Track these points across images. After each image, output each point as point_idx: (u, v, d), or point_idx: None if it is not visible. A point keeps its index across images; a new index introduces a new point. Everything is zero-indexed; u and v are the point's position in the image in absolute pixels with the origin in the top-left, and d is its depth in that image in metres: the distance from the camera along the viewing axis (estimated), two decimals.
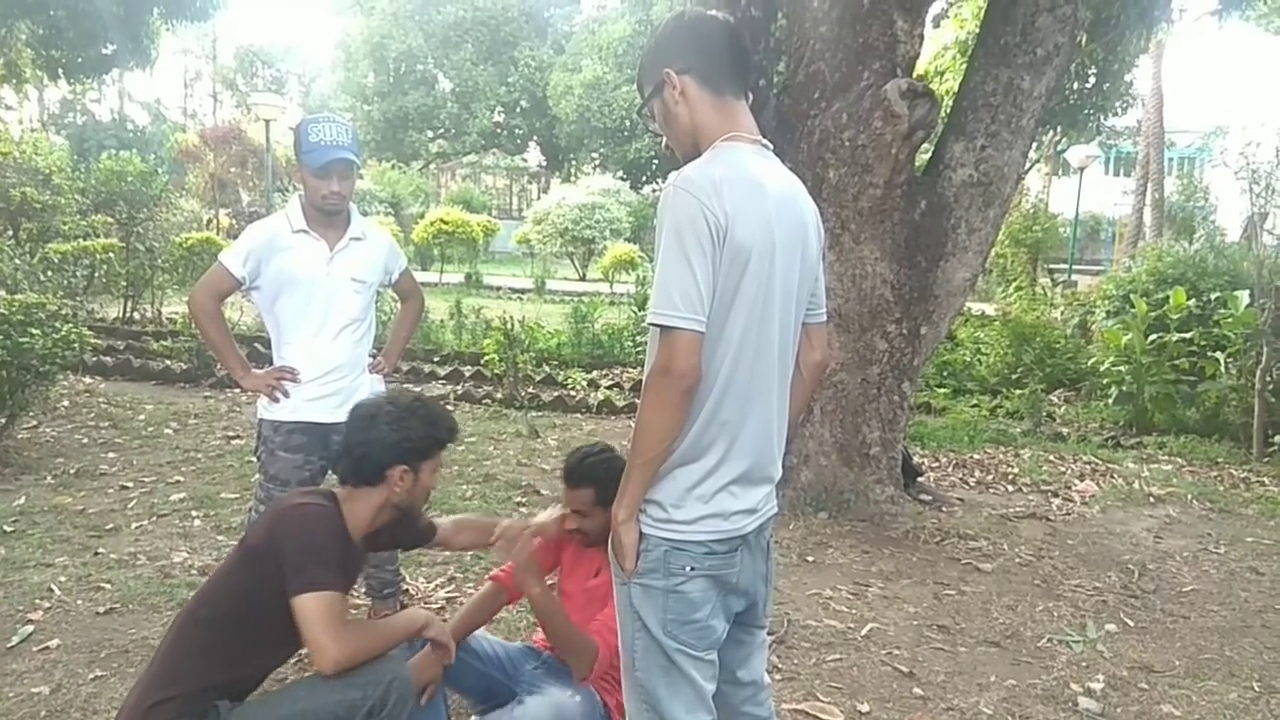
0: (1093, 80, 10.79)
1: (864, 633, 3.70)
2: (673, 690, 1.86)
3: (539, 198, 30.13)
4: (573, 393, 8.42)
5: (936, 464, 6.61)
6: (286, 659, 2.39)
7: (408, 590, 3.80)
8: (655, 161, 27.76)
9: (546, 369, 9.24)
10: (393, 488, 2.27)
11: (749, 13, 4.95)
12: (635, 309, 10.59)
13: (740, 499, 1.85)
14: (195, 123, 39.14)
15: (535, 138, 33.51)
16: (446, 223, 21.06)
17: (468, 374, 9.03)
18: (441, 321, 10.77)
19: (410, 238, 21.39)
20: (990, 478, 6.33)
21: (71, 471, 5.40)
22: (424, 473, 2.33)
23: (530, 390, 8.33)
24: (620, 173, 29.16)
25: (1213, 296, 8.32)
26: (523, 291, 17.54)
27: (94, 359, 8.48)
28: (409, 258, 4.96)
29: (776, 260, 1.79)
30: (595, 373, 9.37)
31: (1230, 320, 7.48)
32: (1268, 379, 7.09)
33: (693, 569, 1.82)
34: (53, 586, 3.74)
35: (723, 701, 1.98)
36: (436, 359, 9.71)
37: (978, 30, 5.73)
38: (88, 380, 8.11)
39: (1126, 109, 13.93)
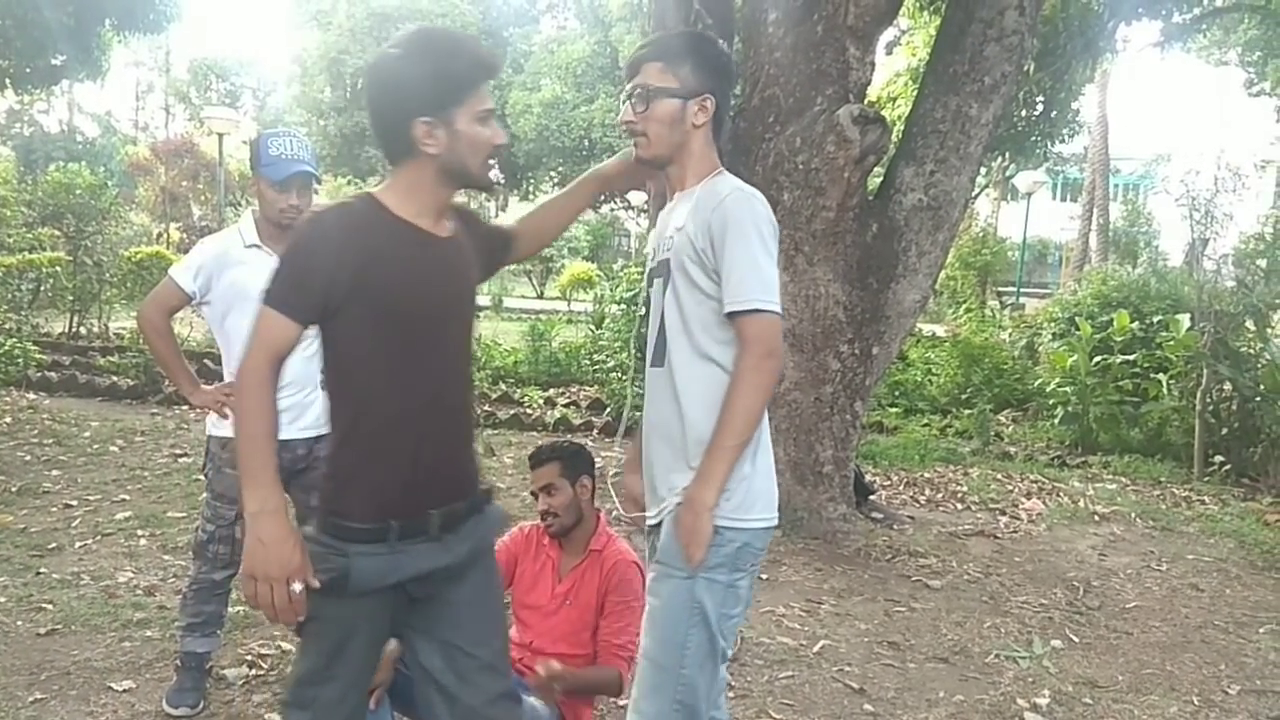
0: (1040, 108, 11.02)
1: (816, 650, 3.73)
2: (708, 688, 1.87)
3: (497, 215, 30.05)
4: (529, 410, 8.40)
5: (888, 482, 6.69)
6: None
7: None
8: None
9: (503, 387, 9.21)
10: (425, 149, 1.74)
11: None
12: (593, 327, 10.59)
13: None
14: (147, 136, 38.47)
15: None
16: None
17: None
18: None
19: None
20: (940, 496, 6.42)
21: (13, 489, 5.27)
22: (460, 122, 1.74)
23: (486, 408, 8.30)
24: None
25: (1155, 320, 8.54)
26: (480, 309, 17.40)
27: (38, 374, 8.30)
28: None
29: None
30: (552, 390, 9.35)
31: (1172, 343, 7.68)
32: (1208, 400, 7.29)
33: (753, 565, 1.88)
34: None
35: None
36: None
37: (928, 58, 5.85)
38: (31, 396, 7.93)
39: (1073, 136, 14.23)
